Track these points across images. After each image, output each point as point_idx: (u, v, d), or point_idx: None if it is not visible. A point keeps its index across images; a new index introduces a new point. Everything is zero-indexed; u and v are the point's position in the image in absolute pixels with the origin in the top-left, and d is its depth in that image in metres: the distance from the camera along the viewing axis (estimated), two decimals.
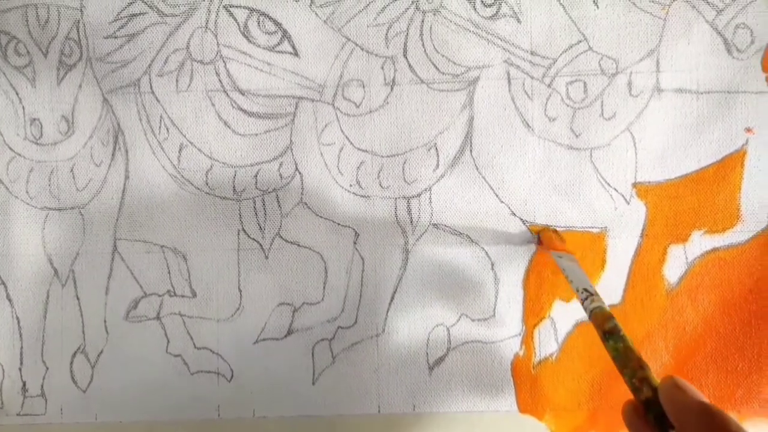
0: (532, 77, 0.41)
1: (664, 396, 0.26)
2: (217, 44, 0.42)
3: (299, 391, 0.42)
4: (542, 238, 0.40)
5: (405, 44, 0.41)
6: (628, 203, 0.41)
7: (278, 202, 0.42)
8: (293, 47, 0.42)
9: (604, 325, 0.30)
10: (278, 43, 0.42)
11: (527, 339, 0.41)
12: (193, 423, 0.42)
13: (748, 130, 0.40)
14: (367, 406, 0.42)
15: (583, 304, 0.33)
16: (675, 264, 0.41)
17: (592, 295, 0.33)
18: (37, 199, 0.43)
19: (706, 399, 0.26)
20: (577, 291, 0.34)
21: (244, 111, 0.42)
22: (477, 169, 0.42)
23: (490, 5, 0.41)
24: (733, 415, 0.40)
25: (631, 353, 0.29)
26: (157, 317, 0.43)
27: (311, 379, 0.42)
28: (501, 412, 0.41)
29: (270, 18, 0.42)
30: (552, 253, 0.39)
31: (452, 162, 0.42)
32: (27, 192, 0.43)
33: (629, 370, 0.28)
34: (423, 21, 0.41)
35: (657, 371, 0.41)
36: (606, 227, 0.41)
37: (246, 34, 0.42)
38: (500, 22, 0.41)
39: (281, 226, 0.42)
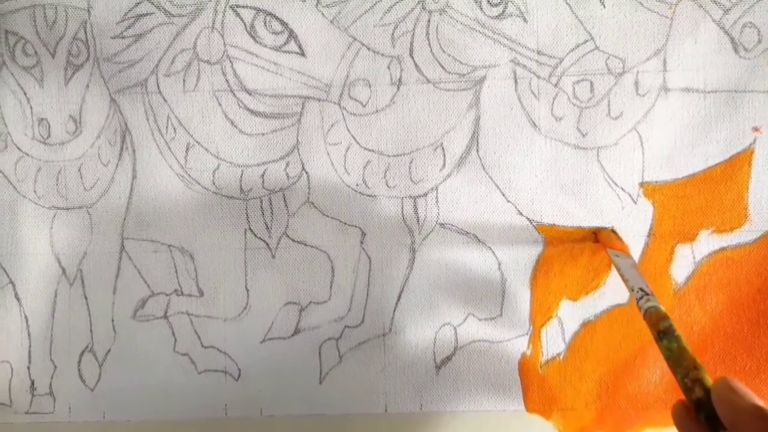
0: (538, 77, 0.41)
1: (717, 397, 0.26)
2: (224, 44, 0.42)
3: (306, 390, 0.42)
4: (600, 236, 0.40)
5: (411, 44, 0.42)
6: (635, 203, 0.41)
7: (285, 201, 0.43)
8: (300, 47, 0.42)
9: (659, 325, 0.31)
10: (285, 43, 0.42)
11: (534, 338, 0.41)
12: (201, 422, 0.42)
13: (756, 129, 0.40)
14: (374, 405, 0.42)
15: (638, 303, 0.33)
16: (682, 264, 0.41)
17: (647, 294, 0.33)
18: (45, 198, 0.43)
19: (760, 401, 0.25)
20: (633, 290, 0.34)
21: (251, 111, 0.42)
22: (484, 168, 0.42)
23: (496, 5, 0.41)
24: None
25: (685, 353, 0.29)
26: (165, 316, 0.43)
27: (318, 378, 0.42)
28: (508, 412, 0.41)
29: (276, 18, 0.42)
30: (609, 251, 0.39)
31: (459, 161, 0.42)
32: (35, 191, 0.43)
33: (682, 369, 0.28)
34: (429, 20, 0.41)
35: (665, 370, 0.41)
36: (613, 227, 0.41)
37: (253, 34, 0.42)
38: (507, 21, 0.41)
39: (288, 225, 0.43)
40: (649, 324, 0.32)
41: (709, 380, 0.27)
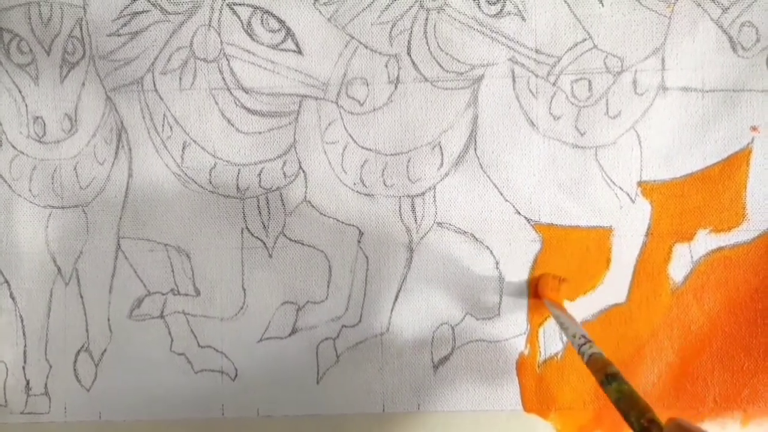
0: (536, 75, 0.41)
1: None
2: (221, 42, 0.42)
3: (303, 390, 0.42)
4: (539, 284, 0.40)
5: (409, 42, 0.41)
6: (634, 202, 0.41)
7: (282, 200, 0.42)
8: (297, 45, 0.42)
9: (607, 369, 0.31)
10: (282, 41, 0.42)
11: (532, 338, 0.41)
12: (197, 422, 0.42)
13: (754, 128, 0.40)
14: (371, 405, 0.42)
15: (580, 349, 0.34)
16: (680, 263, 0.41)
17: (589, 341, 0.33)
18: (41, 197, 0.43)
19: None
20: (574, 336, 0.34)
21: (248, 109, 0.42)
22: (481, 167, 0.42)
23: (494, 3, 0.41)
24: (738, 414, 0.40)
25: (635, 395, 0.29)
26: (161, 316, 0.43)
27: (315, 378, 0.42)
28: (506, 411, 0.41)
29: (273, 16, 0.42)
30: (546, 302, 0.39)
31: (456, 160, 0.42)
32: (30, 190, 0.43)
33: (637, 411, 0.28)
34: (427, 19, 0.41)
35: (662, 370, 0.41)
36: (611, 226, 0.41)
37: (249, 32, 0.42)
38: (505, 20, 0.41)
39: (285, 224, 0.42)
40: (594, 369, 0.32)
41: (661, 421, 0.27)
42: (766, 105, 0.40)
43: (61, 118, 0.43)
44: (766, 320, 0.40)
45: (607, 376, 0.30)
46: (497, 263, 0.42)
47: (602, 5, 0.41)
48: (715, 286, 0.40)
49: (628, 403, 0.29)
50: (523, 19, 0.41)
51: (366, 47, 0.41)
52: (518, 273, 0.41)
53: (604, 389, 0.30)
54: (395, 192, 0.42)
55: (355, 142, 0.42)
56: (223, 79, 0.42)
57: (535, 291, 0.41)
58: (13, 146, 0.43)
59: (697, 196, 0.40)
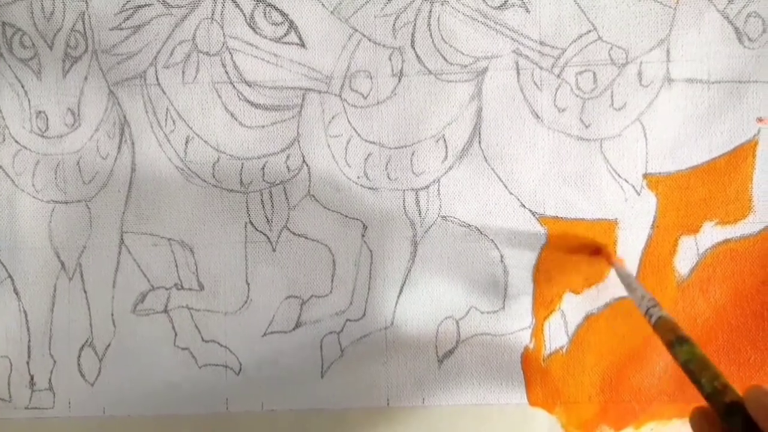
0: (541, 67, 0.41)
1: (755, 402, 0.25)
2: (224, 35, 0.42)
3: (308, 385, 0.42)
4: (604, 253, 0.40)
5: (413, 35, 0.41)
6: (639, 194, 0.41)
7: (286, 194, 0.42)
8: (300, 38, 0.42)
9: (677, 331, 0.30)
10: (285, 34, 0.42)
11: (537, 332, 0.41)
12: (201, 416, 0.42)
13: (760, 119, 0.40)
14: (376, 399, 0.42)
15: (647, 312, 0.33)
16: (686, 255, 0.40)
17: (657, 304, 0.33)
18: (44, 192, 0.43)
19: None
20: (642, 299, 0.34)
21: (251, 103, 0.42)
22: (486, 160, 0.41)
23: None
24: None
25: (708, 359, 0.28)
26: (165, 310, 0.43)
27: (320, 372, 0.42)
28: (511, 405, 0.41)
29: (276, 9, 0.42)
30: (614, 263, 0.39)
31: (461, 153, 0.41)
32: (33, 185, 0.43)
33: (709, 373, 0.27)
34: (431, 11, 0.41)
35: (668, 363, 0.41)
36: (616, 218, 0.41)
37: (252, 25, 0.42)
38: (509, 12, 0.41)
39: (289, 218, 0.42)
40: (664, 330, 0.31)
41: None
42: None
43: (63, 113, 0.43)
44: None
45: (678, 338, 0.30)
46: (502, 257, 0.41)
47: None
48: (721, 278, 0.40)
49: (700, 365, 0.28)
50: (527, 10, 0.41)
51: (369, 40, 0.41)
52: (523, 266, 0.41)
53: (672, 351, 0.30)
54: (399, 185, 0.42)
55: (358, 135, 0.42)
56: (226, 72, 0.42)
57: (591, 251, 0.40)
58: (16, 141, 0.43)
59: (703, 188, 0.40)
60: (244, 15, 0.42)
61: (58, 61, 0.42)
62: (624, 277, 0.37)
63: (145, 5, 0.42)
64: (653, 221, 0.41)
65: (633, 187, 0.41)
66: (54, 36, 0.42)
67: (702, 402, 0.27)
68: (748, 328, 0.40)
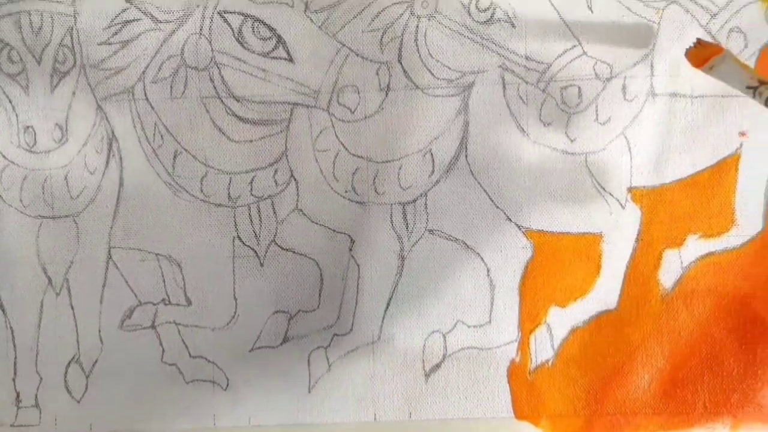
0: (527, 82, 0.41)
1: None
2: (212, 50, 0.42)
3: (295, 399, 0.42)
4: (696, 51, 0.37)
5: (400, 50, 0.41)
6: (624, 208, 0.41)
7: (273, 208, 0.42)
8: (288, 53, 0.42)
9: None
10: (273, 49, 0.42)
11: (523, 345, 0.41)
12: None
13: (742, 134, 0.41)
14: (363, 413, 0.42)
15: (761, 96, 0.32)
16: (670, 268, 0.41)
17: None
18: (31, 207, 0.43)
19: None
20: (754, 87, 0.33)
21: (239, 117, 0.42)
22: (472, 174, 0.42)
23: (484, 10, 0.41)
24: (728, 419, 0.40)
25: None
26: (152, 326, 0.43)
27: (307, 386, 0.42)
28: (497, 419, 0.41)
29: (264, 24, 0.42)
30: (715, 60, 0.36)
31: (447, 167, 0.42)
32: (21, 200, 0.43)
33: None
34: (417, 26, 0.41)
35: (653, 376, 0.41)
36: (602, 232, 0.41)
37: (240, 40, 0.42)
38: (495, 26, 0.41)
39: (277, 232, 0.42)
40: None
41: None
42: (755, 110, 0.40)
43: (51, 128, 0.43)
44: (755, 326, 0.40)
45: None
46: (488, 270, 0.42)
47: (592, 11, 0.41)
48: (704, 291, 0.41)
49: None
50: (513, 26, 0.41)
51: (357, 54, 0.42)
52: (509, 280, 0.42)
53: None
54: (387, 199, 0.42)
55: (346, 149, 0.42)
56: (214, 87, 0.42)
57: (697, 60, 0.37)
58: (4, 156, 0.43)
59: (687, 202, 0.41)
60: (233, 30, 0.42)
61: (47, 76, 0.42)
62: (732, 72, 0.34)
63: (134, 20, 0.42)
64: (638, 235, 0.41)
65: (618, 200, 0.41)
66: (42, 51, 0.42)
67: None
68: (731, 341, 0.40)
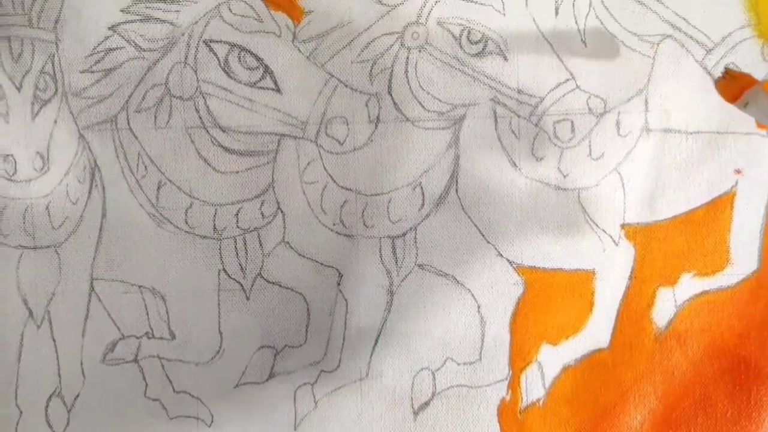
0: (519, 116, 0.40)
1: None
2: (197, 80, 0.41)
3: None
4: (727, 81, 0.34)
5: (390, 81, 0.41)
6: (617, 245, 0.40)
7: (260, 241, 0.41)
8: (275, 83, 0.41)
9: None
10: (260, 79, 0.41)
11: (514, 383, 0.41)
12: None
13: (738, 171, 0.40)
14: None
15: None
16: (664, 307, 0.40)
17: None
18: (11, 237, 0.42)
19: None
20: None
21: (225, 148, 0.41)
22: (463, 208, 0.41)
23: (476, 42, 0.40)
24: None
25: None
26: (135, 360, 0.42)
27: (293, 424, 0.41)
28: None
29: (251, 53, 0.41)
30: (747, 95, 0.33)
31: (438, 201, 0.41)
32: (1, 230, 0.42)
33: None
34: (408, 58, 0.40)
35: (645, 417, 0.40)
36: (594, 269, 0.40)
37: (227, 70, 0.41)
38: (487, 59, 0.40)
39: (263, 265, 0.42)
40: None
41: None
42: (750, 147, 0.40)
43: (32, 157, 0.41)
44: (749, 366, 0.40)
45: None
46: (479, 307, 0.41)
47: (585, 45, 0.40)
48: (698, 331, 0.40)
49: None
50: (505, 59, 0.40)
51: (346, 86, 0.41)
52: (500, 317, 0.41)
53: None
54: (376, 233, 0.41)
55: (334, 182, 0.41)
56: (200, 117, 0.41)
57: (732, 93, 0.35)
58: None
59: (681, 240, 0.40)
60: (218, 59, 0.41)
61: (27, 104, 0.41)
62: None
63: (117, 48, 0.41)
64: (631, 272, 0.40)
65: (611, 237, 0.40)
66: (23, 78, 0.41)
67: None
68: (725, 381, 0.40)
